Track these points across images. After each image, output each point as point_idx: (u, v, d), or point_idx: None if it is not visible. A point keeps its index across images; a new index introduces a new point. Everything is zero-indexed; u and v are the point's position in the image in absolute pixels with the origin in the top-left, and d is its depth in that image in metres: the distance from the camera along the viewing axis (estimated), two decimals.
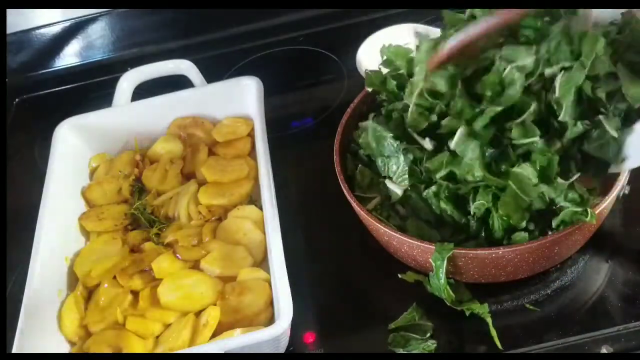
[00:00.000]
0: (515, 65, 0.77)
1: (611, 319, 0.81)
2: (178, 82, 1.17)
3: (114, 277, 0.94)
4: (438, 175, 0.82)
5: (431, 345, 0.82)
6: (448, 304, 0.82)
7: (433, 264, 0.80)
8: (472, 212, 0.82)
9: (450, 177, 0.82)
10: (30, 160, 1.24)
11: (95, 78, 1.40)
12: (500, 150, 0.79)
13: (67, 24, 1.38)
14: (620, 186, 0.80)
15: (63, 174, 1.05)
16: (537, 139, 0.76)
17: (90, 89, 1.39)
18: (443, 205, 0.83)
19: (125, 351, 0.85)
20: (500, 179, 0.78)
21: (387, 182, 0.88)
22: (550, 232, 0.79)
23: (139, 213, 1.02)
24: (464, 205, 0.83)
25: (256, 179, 1.02)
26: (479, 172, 0.78)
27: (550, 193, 0.76)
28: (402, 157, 0.85)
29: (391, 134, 0.86)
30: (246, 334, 0.80)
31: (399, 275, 0.87)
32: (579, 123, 0.77)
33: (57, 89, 1.41)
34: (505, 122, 0.78)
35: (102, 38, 1.41)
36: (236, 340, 0.79)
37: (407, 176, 0.86)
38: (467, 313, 0.82)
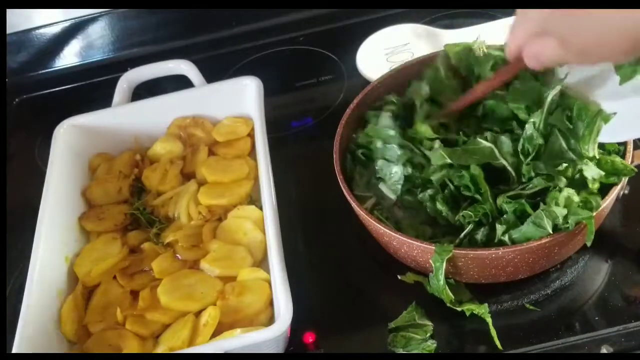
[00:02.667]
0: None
1: (611, 319, 0.81)
2: (178, 82, 1.17)
3: (114, 277, 0.94)
4: (434, 178, 0.83)
5: (431, 345, 0.82)
6: (448, 305, 0.82)
7: (433, 265, 0.80)
8: (458, 218, 0.82)
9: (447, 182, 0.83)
10: (30, 160, 1.24)
11: (95, 78, 1.40)
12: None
13: (67, 24, 1.38)
14: (620, 186, 0.81)
15: (63, 174, 1.05)
16: None
17: (90, 89, 1.39)
18: (439, 206, 0.83)
19: (125, 351, 0.85)
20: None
21: (382, 185, 0.89)
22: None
23: (139, 213, 1.02)
24: (459, 207, 0.83)
25: (256, 179, 1.02)
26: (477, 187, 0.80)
27: None
28: (402, 168, 0.86)
29: (398, 140, 0.87)
30: (246, 334, 0.80)
31: (399, 277, 0.87)
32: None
33: (57, 89, 1.41)
34: None
35: (102, 38, 1.41)
36: (236, 340, 0.79)
37: (401, 185, 0.87)
38: (467, 314, 0.82)
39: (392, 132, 0.90)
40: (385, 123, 0.92)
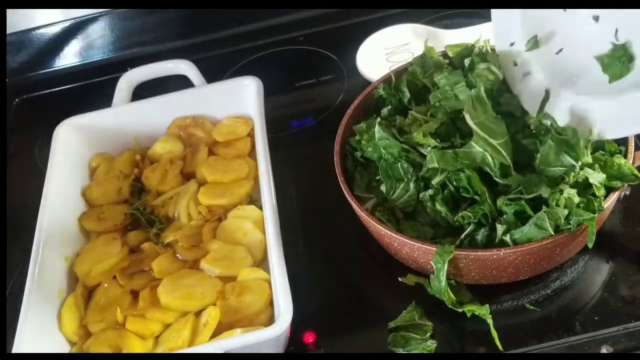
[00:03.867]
0: None
1: (611, 319, 0.81)
2: (178, 82, 1.17)
3: (114, 277, 0.94)
4: (434, 180, 0.83)
5: (431, 345, 0.82)
6: (449, 307, 0.82)
7: (434, 267, 0.80)
8: (457, 219, 0.82)
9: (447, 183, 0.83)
10: (30, 160, 1.24)
11: (95, 78, 1.40)
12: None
13: (67, 24, 1.38)
14: (622, 188, 0.81)
15: (63, 174, 1.05)
16: None
17: (90, 89, 1.39)
18: (438, 207, 0.83)
19: (125, 351, 0.85)
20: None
21: (389, 205, 0.88)
22: None
23: (139, 213, 1.02)
24: (459, 208, 0.83)
25: (256, 179, 1.02)
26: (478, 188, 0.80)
27: None
28: (412, 185, 0.86)
29: (405, 155, 0.86)
30: (246, 334, 0.80)
31: (399, 279, 0.87)
32: None
33: (57, 89, 1.41)
34: None
35: (102, 38, 1.41)
36: (236, 340, 0.79)
37: (413, 204, 0.86)
38: (468, 315, 0.82)
39: (388, 137, 0.88)
40: (381, 134, 0.89)
